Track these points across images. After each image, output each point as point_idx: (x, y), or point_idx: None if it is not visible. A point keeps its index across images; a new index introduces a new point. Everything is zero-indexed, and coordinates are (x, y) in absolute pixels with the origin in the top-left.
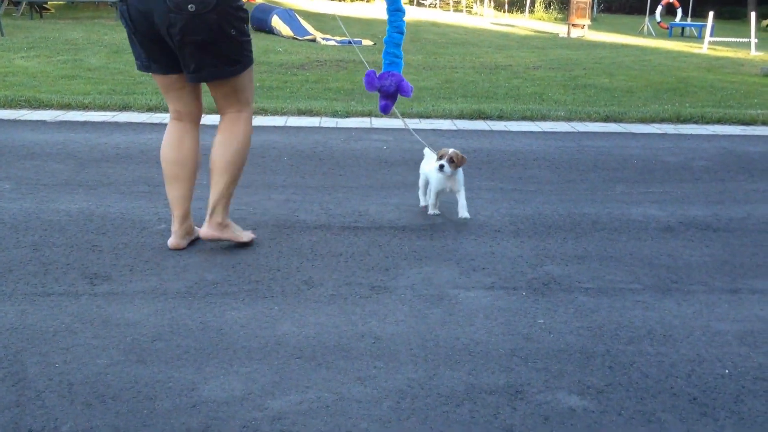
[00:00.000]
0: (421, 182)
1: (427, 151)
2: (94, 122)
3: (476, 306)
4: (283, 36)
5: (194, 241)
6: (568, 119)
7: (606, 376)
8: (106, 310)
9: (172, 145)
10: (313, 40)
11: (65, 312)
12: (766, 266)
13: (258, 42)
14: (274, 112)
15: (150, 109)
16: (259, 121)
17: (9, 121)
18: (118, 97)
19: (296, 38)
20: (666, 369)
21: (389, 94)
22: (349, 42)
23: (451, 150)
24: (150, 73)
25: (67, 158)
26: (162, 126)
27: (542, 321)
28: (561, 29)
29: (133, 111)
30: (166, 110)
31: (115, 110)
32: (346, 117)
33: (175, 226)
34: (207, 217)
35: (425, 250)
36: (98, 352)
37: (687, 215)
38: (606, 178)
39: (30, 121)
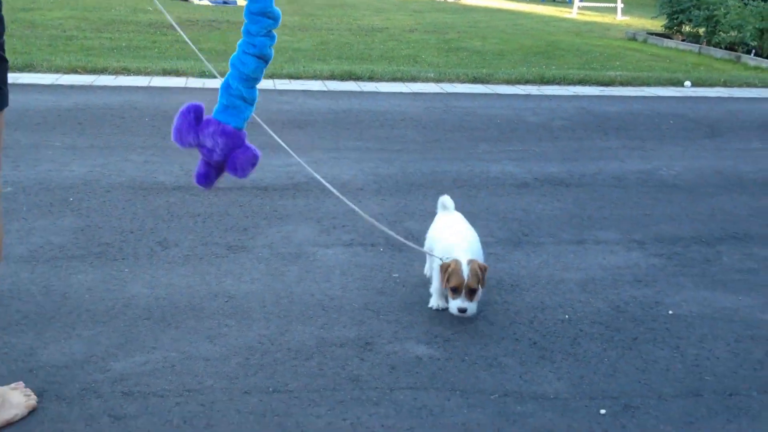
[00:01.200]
0: (427, 269)
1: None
2: None
3: (334, 263)
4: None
5: (42, 199)
6: (438, 80)
7: (453, 326)
8: None
9: None
10: (187, 0)
11: None
12: (611, 218)
13: (126, 1)
14: (137, 72)
15: None
16: (121, 81)
17: None
18: None
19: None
20: (510, 316)
21: (212, 163)
22: (224, 2)
23: (465, 268)
24: None
25: None
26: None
27: (397, 275)
28: None
29: None
30: (20, 70)
31: None
32: (214, 78)
33: None
34: None
35: (286, 209)
36: None
37: (543, 172)
38: (470, 138)
39: None
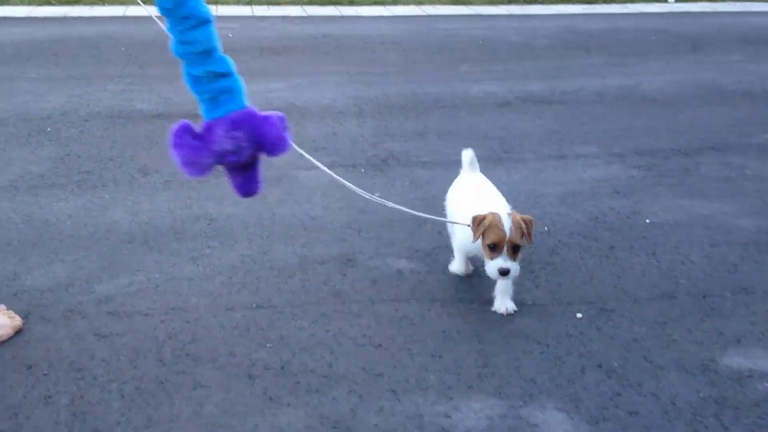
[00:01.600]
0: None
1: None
2: None
3: (315, 184)
4: None
5: (19, 130)
6: (419, 3)
7: (434, 240)
8: None
9: None
10: None
11: None
12: (591, 134)
13: None
14: (112, 2)
15: None
16: (96, 11)
17: None
18: None
19: None
20: None
21: (241, 164)
22: None
23: (506, 220)
24: None
25: None
26: None
27: (378, 194)
28: None
29: None
30: None
31: None
32: None
33: None
34: None
35: None
36: None
37: (524, 90)
38: (451, 59)
39: None
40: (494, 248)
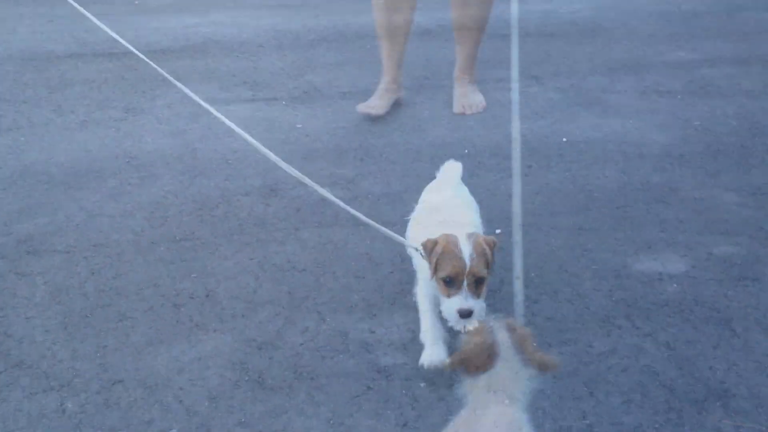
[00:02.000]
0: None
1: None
2: None
3: (235, 118)
4: None
5: None
6: None
7: (357, 167)
8: None
9: None
10: None
11: None
12: (508, 59)
13: None
14: None
15: None
16: None
17: None
18: None
19: None
20: (412, 155)
21: None
22: None
23: (465, 246)
24: None
25: None
26: None
27: (300, 126)
28: None
29: None
30: None
31: None
32: None
33: None
34: None
35: (185, 70)
36: None
37: (445, 18)
38: None
39: None
40: (450, 283)
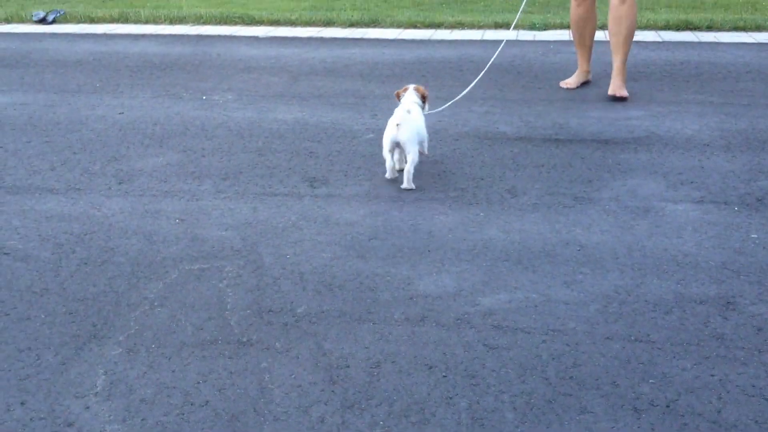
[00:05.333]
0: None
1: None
2: (301, 38)
3: (684, 219)
4: None
5: None
6: None
7: None
8: (326, 210)
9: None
10: None
11: (291, 210)
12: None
13: None
14: (471, 26)
15: (351, 25)
16: (456, 35)
17: (226, 36)
18: (321, 13)
19: None
20: None
21: None
22: None
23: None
24: None
25: (280, 71)
26: (363, 41)
27: (756, 236)
28: None
29: (336, 26)
30: (366, 25)
31: (319, 26)
32: (544, 30)
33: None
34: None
35: (629, 162)
36: (323, 246)
37: None
38: None
39: (244, 36)
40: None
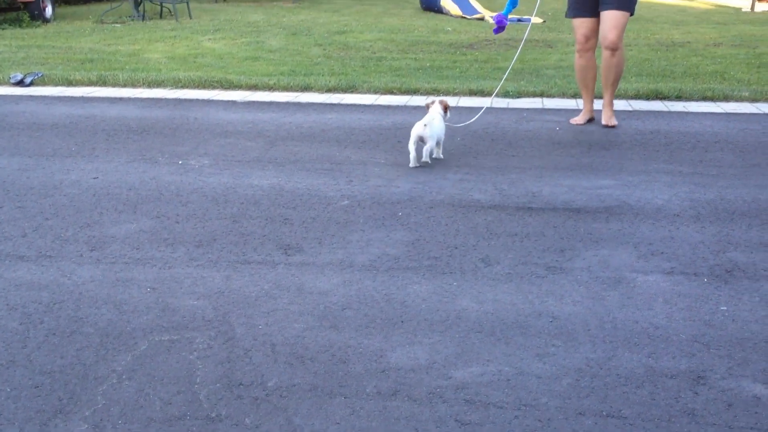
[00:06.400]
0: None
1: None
2: (278, 102)
3: (655, 290)
4: (451, 15)
5: (375, 213)
6: (753, 100)
7: None
8: (299, 278)
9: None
10: (482, 19)
11: (264, 279)
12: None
13: (427, 22)
14: (446, 92)
15: (329, 90)
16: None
17: (204, 100)
18: (298, 78)
19: (465, 17)
20: None
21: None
22: (518, 20)
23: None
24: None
25: (257, 136)
26: (340, 106)
27: (725, 308)
28: (744, 3)
29: (314, 92)
30: (344, 90)
31: (297, 91)
32: (518, 97)
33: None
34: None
35: (601, 232)
36: (296, 316)
37: None
38: None
39: (222, 101)
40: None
